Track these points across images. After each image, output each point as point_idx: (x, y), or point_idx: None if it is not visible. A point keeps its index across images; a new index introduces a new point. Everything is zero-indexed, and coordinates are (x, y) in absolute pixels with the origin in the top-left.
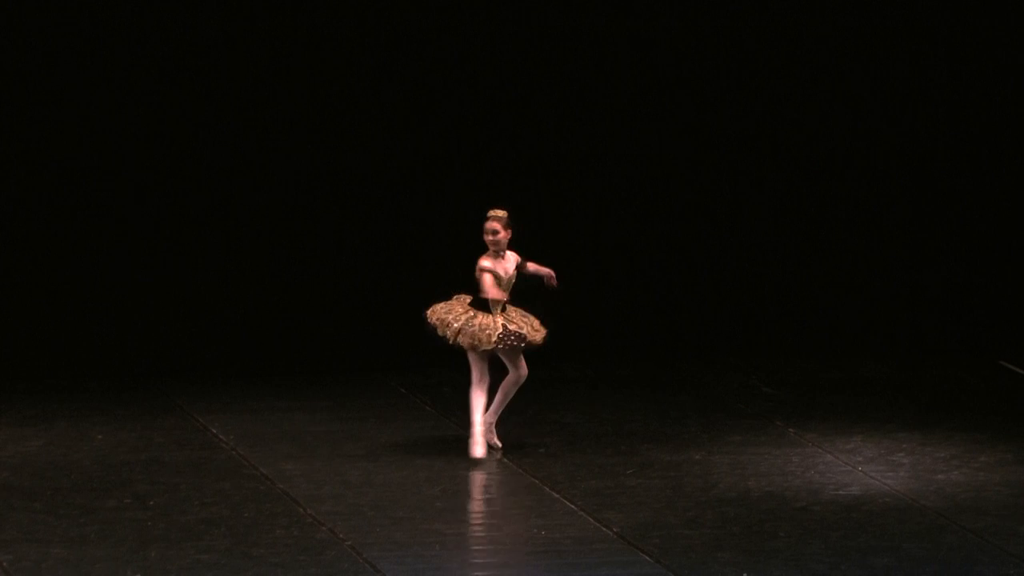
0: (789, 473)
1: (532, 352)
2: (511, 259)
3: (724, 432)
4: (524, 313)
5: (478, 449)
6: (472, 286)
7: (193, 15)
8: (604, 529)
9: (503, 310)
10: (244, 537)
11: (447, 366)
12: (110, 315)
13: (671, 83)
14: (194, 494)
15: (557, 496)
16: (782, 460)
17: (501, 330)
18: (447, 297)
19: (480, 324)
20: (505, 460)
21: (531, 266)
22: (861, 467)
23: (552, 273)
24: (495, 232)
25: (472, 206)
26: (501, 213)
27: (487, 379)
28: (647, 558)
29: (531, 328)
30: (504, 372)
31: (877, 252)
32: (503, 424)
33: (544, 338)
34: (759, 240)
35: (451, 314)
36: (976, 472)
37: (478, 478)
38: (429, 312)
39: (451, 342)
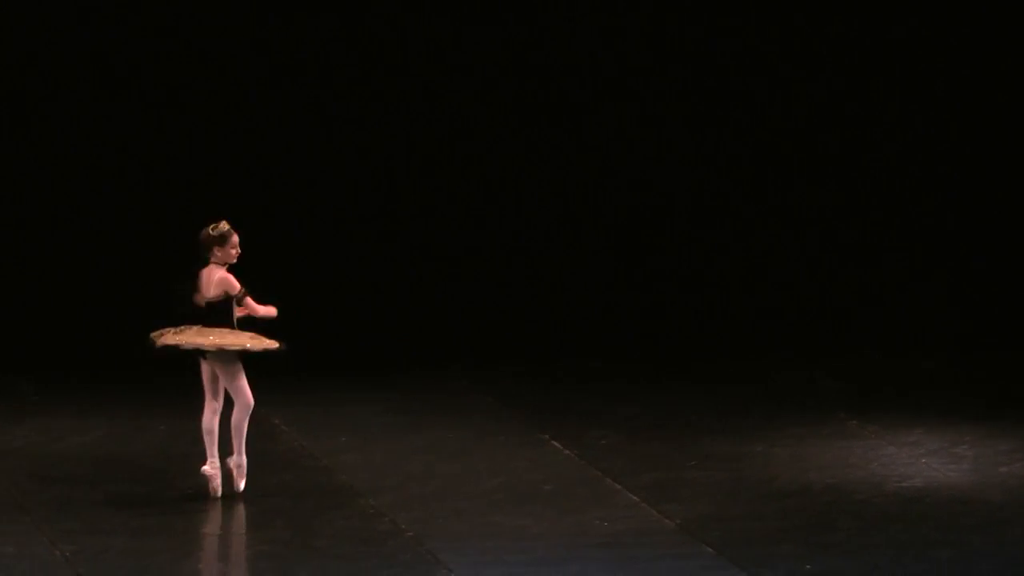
0: (851, 465)
1: (530, 351)
2: None
3: (786, 424)
4: (236, 332)
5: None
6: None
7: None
8: (665, 521)
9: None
10: (305, 528)
11: (509, 360)
12: (174, 307)
13: (690, 83)
14: (255, 485)
15: (618, 488)
16: (844, 452)
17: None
18: None
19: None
20: (566, 452)
21: None
22: (923, 459)
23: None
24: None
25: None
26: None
27: (215, 404)
28: (709, 550)
29: (211, 339)
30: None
31: (938, 245)
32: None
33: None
34: (821, 236)
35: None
36: None
37: (538, 470)
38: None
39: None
